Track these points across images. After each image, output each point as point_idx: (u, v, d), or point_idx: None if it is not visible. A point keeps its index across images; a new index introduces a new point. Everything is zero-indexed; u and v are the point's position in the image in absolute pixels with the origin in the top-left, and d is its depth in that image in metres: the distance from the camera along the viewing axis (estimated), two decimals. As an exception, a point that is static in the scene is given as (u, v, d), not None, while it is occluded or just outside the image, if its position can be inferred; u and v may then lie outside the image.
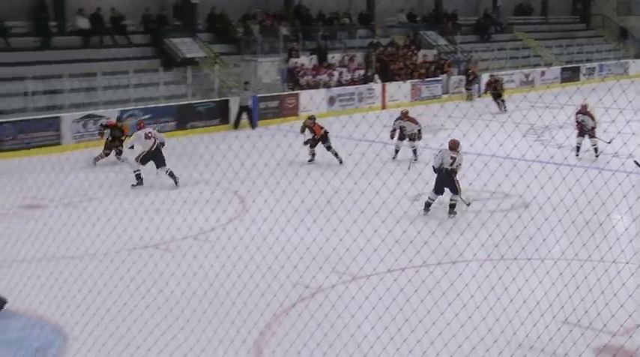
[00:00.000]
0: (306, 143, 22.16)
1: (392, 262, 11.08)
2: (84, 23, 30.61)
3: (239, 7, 35.24)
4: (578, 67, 44.59)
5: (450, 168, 16.24)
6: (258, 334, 10.88)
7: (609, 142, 19.96)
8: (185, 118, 28.56)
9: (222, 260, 11.36)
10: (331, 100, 32.84)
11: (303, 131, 22.37)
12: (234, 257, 11.56)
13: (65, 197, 18.10)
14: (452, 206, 16.41)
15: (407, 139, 22.68)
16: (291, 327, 10.43)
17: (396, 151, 22.61)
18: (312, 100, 30.98)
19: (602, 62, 46.61)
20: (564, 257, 11.13)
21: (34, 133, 24.60)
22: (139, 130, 20.09)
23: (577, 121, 22.29)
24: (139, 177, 19.10)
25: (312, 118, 22.58)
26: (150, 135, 19.67)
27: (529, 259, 11.26)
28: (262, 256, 10.45)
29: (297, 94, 32.11)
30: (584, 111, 22.00)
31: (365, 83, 35.06)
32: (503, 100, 32.57)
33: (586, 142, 21.81)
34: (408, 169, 18.12)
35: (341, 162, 21.57)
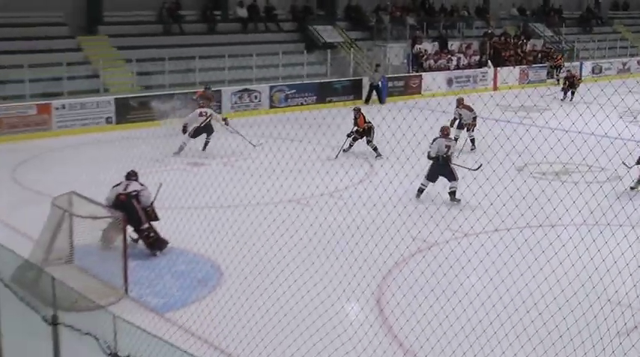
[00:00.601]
0: (349, 135, 19.47)
1: (499, 223, 10.92)
2: (243, 13, 31.05)
3: (372, -1, 35.24)
4: (672, 58, 42.87)
5: (445, 156, 14.91)
6: (381, 279, 10.93)
7: None
8: (324, 93, 28.67)
9: (353, 215, 11.40)
10: (450, 82, 32.46)
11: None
12: (363, 212, 11.58)
13: (224, 156, 18.45)
14: (452, 193, 14.63)
15: (465, 128, 20.31)
16: (410, 274, 10.41)
17: (455, 140, 18.71)
18: (433, 81, 30.69)
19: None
20: (653, 225, 10.76)
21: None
22: (198, 108, 20.31)
23: None
24: (181, 148, 19.27)
25: (356, 109, 20.17)
26: (203, 113, 19.91)
27: (621, 226, 10.91)
28: (387, 213, 10.44)
29: (420, 75, 31.83)
30: None
31: (479, 67, 34.47)
32: (573, 92, 29.45)
33: None
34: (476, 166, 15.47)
35: (379, 156, 19.04)
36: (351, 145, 19.66)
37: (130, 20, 28.24)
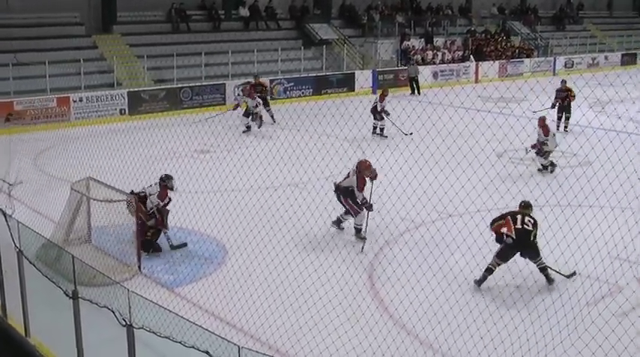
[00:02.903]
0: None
1: (480, 204, 10.92)
2: (245, 12, 30.96)
3: (365, -1, 35.24)
4: (635, 54, 42.75)
5: (335, 184, 12.27)
6: (373, 256, 10.96)
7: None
8: (320, 86, 28.66)
9: (347, 197, 11.41)
10: (435, 75, 32.45)
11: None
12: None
13: (228, 144, 18.43)
14: (357, 231, 11.90)
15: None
16: (399, 251, 10.45)
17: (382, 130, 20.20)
18: (420, 74, 30.68)
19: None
20: (619, 206, 10.81)
21: (205, 96, 25.15)
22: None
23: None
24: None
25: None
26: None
27: (590, 206, 10.95)
28: (378, 196, 10.46)
29: (408, 69, 31.77)
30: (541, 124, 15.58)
31: (462, 62, 34.48)
32: (568, 118, 21.13)
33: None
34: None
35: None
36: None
37: (142, 20, 28.23)
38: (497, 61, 35.34)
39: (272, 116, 22.13)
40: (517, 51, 37.38)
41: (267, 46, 28.95)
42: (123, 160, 13.51)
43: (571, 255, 9.25)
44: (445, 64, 33.60)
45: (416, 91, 29.72)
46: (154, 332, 5.88)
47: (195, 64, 26.17)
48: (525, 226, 10.01)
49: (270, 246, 10.29)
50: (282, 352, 8.08)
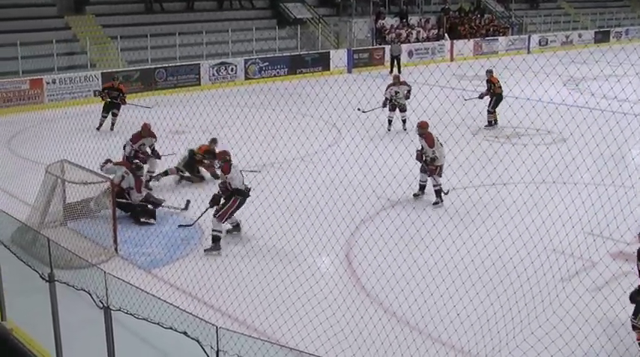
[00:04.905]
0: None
1: (456, 182, 11.00)
2: (219, -9, 30.77)
3: (340, -22, 35.00)
4: (609, 31, 42.98)
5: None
6: (349, 235, 10.97)
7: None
8: (295, 65, 28.60)
9: (323, 177, 11.41)
10: (410, 53, 32.40)
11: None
12: (332, 175, 11.59)
13: (203, 125, 18.33)
14: None
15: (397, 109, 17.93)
16: (375, 230, 10.48)
17: (389, 122, 18.00)
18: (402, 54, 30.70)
19: (628, 27, 44.91)
20: (593, 182, 10.90)
21: (180, 76, 24.99)
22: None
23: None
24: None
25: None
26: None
27: (565, 183, 11.04)
28: (354, 175, 10.45)
29: (383, 47, 31.75)
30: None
31: (437, 40, 34.50)
32: (490, 112, 17.81)
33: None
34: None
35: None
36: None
37: (114, 0, 27.91)
38: (471, 39, 35.41)
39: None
40: (491, 29, 37.44)
41: (241, 25, 28.77)
42: (98, 142, 13.43)
43: (546, 231, 9.34)
44: (420, 43, 33.58)
45: (395, 70, 29.52)
46: (131, 314, 5.87)
47: (169, 45, 25.98)
48: None
49: (247, 226, 10.27)
50: (260, 331, 8.10)
